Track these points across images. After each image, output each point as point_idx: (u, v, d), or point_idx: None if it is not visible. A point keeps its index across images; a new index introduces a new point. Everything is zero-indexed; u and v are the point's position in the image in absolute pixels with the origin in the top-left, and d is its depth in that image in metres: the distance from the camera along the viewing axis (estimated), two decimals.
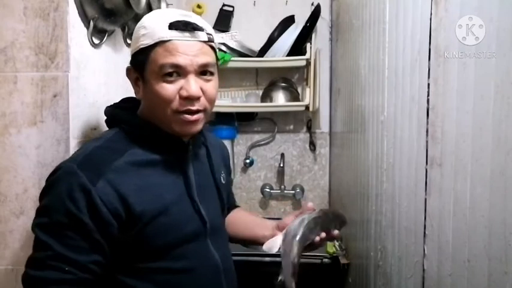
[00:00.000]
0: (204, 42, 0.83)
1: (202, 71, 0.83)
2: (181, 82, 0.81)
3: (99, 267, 0.78)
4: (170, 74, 0.80)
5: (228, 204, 1.13)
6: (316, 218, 0.94)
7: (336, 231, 0.98)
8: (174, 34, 0.80)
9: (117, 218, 0.78)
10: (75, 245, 0.75)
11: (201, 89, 0.83)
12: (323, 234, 0.94)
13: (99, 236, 0.76)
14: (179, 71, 0.81)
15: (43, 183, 0.89)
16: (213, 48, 0.86)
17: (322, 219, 0.95)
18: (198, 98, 0.82)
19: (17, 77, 0.96)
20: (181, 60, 0.80)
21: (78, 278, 0.75)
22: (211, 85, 0.85)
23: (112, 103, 0.96)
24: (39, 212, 0.80)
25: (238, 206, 1.21)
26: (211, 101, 0.86)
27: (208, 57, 0.83)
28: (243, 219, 1.12)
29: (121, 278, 0.82)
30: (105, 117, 0.93)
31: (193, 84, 0.81)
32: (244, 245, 1.13)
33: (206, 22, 0.87)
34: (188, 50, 0.80)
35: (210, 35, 0.84)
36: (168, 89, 0.81)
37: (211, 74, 0.85)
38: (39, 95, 0.96)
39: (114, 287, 0.83)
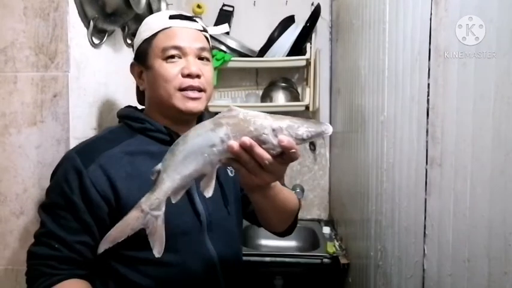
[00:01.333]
0: (199, 30, 0.92)
1: (200, 56, 0.91)
2: (182, 63, 0.89)
3: (88, 248, 0.82)
4: (172, 56, 0.88)
5: None
6: (223, 117, 0.64)
7: (282, 137, 0.62)
8: (174, 22, 0.90)
9: (107, 201, 0.82)
10: (66, 225, 0.81)
11: (200, 70, 0.89)
12: (244, 139, 0.62)
13: (89, 218, 0.81)
14: (180, 53, 0.89)
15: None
16: (207, 38, 0.95)
17: (240, 118, 0.63)
18: (198, 76, 0.89)
19: (17, 77, 0.96)
20: (181, 42, 0.88)
21: (65, 256, 0.80)
22: (208, 69, 0.92)
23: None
24: (45, 195, 0.87)
25: None
26: (210, 84, 0.92)
27: (205, 43, 0.92)
28: None
29: (114, 265, 0.85)
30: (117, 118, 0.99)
31: (193, 64, 0.88)
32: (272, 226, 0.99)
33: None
34: (187, 36, 0.90)
35: (204, 26, 0.94)
36: (170, 68, 0.88)
37: (208, 60, 0.93)
38: (39, 95, 0.96)
39: (108, 276, 0.86)
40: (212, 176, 0.66)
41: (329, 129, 0.64)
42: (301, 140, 0.63)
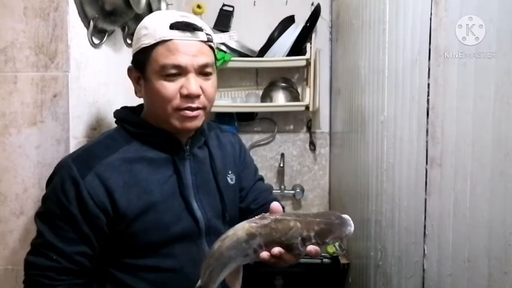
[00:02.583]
0: (204, 42, 0.85)
1: (202, 71, 0.85)
2: (181, 81, 0.83)
3: (87, 258, 0.81)
4: (171, 74, 0.82)
5: (256, 205, 1.08)
6: (256, 227, 0.69)
7: (310, 247, 0.69)
8: (175, 34, 0.82)
9: (105, 212, 0.81)
10: (64, 235, 0.79)
11: (201, 88, 0.85)
12: (275, 250, 0.68)
13: (87, 228, 0.80)
14: (180, 71, 0.83)
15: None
16: (211, 48, 0.89)
17: (272, 228, 0.69)
18: (198, 96, 0.84)
19: (17, 77, 0.95)
20: (182, 60, 0.82)
21: (64, 267, 0.79)
22: (210, 84, 0.87)
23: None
24: (41, 202, 0.85)
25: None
26: (210, 100, 0.88)
27: (208, 58, 0.86)
28: None
29: (112, 271, 0.84)
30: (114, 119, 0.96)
31: (193, 83, 0.83)
32: None
33: (205, 23, 0.89)
34: (188, 50, 0.83)
35: (209, 35, 0.86)
36: (169, 87, 0.83)
37: (210, 73, 0.87)
38: (39, 95, 0.96)
39: (105, 280, 0.85)
40: (240, 272, 0.73)
41: (351, 231, 0.70)
42: (327, 244, 0.71)
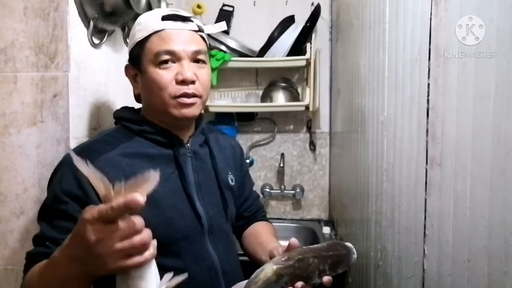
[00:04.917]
0: (195, 31, 0.88)
1: (195, 59, 0.88)
2: (176, 68, 0.86)
3: None
4: (165, 61, 0.85)
5: (249, 213, 1.11)
6: (283, 268, 0.78)
7: (325, 278, 0.80)
8: (167, 24, 0.86)
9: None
10: (59, 225, 0.79)
11: (195, 75, 0.87)
12: (298, 285, 0.78)
13: None
14: (174, 58, 0.85)
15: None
16: (203, 38, 0.91)
17: (295, 267, 0.79)
18: (192, 82, 0.86)
19: (17, 77, 0.96)
20: (175, 46, 0.85)
21: (53, 251, 0.77)
22: (204, 72, 0.89)
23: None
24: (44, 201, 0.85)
25: (265, 220, 1.15)
26: (206, 88, 0.90)
27: (200, 45, 0.89)
28: (253, 236, 1.07)
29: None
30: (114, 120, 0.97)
31: (187, 69, 0.85)
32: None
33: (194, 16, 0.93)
34: (181, 38, 0.86)
35: (200, 26, 0.90)
36: (164, 75, 0.85)
37: (204, 62, 0.90)
38: (39, 95, 0.96)
39: (104, 278, 0.84)
40: None
41: (355, 258, 0.83)
42: (338, 273, 0.81)
